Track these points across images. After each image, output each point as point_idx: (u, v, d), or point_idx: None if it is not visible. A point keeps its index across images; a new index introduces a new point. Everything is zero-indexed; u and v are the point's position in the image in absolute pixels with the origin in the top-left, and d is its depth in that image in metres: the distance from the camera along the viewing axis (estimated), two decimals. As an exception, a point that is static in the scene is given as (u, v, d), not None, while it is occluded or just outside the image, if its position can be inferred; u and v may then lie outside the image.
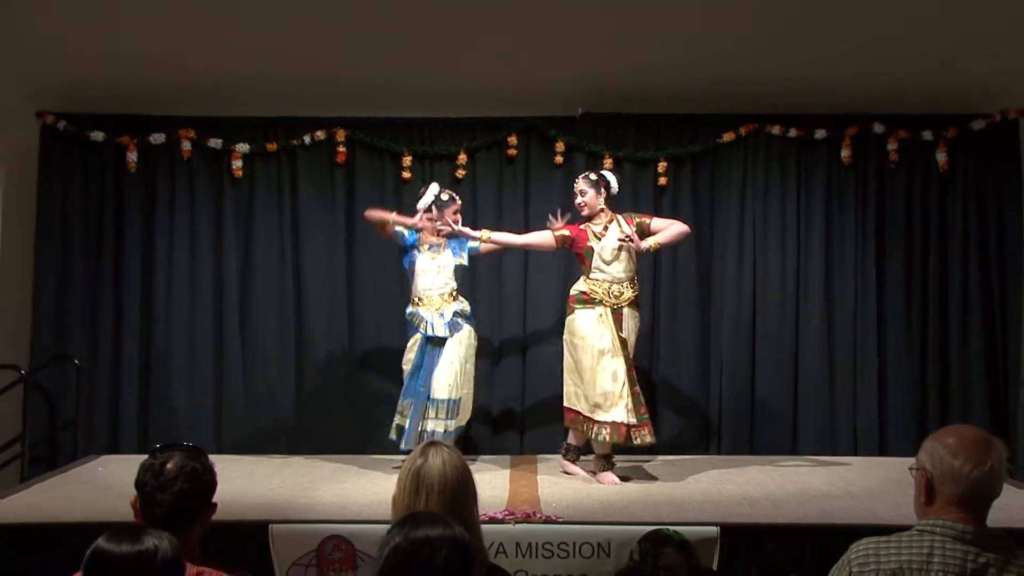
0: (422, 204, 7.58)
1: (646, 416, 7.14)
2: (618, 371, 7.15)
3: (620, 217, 7.39)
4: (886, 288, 8.63)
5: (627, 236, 7.24)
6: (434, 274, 7.54)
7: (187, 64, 8.59)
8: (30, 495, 6.73)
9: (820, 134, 8.64)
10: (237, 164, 8.63)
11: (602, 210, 7.40)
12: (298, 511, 6.21)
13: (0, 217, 8.80)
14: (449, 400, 7.37)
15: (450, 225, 7.46)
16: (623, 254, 7.31)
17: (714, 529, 5.76)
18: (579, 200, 7.41)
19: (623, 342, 7.22)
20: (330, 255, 8.61)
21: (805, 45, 8.59)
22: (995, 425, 8.07)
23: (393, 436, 7.50)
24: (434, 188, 7.65)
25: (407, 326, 7.60)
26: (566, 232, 7.43)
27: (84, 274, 8.61)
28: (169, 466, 3.22)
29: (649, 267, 8.67)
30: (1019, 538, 3.01)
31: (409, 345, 7.54)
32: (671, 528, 5.66)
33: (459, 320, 7.53)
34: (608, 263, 7.32)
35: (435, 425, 7.32)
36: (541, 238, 7.54)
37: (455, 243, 7.63)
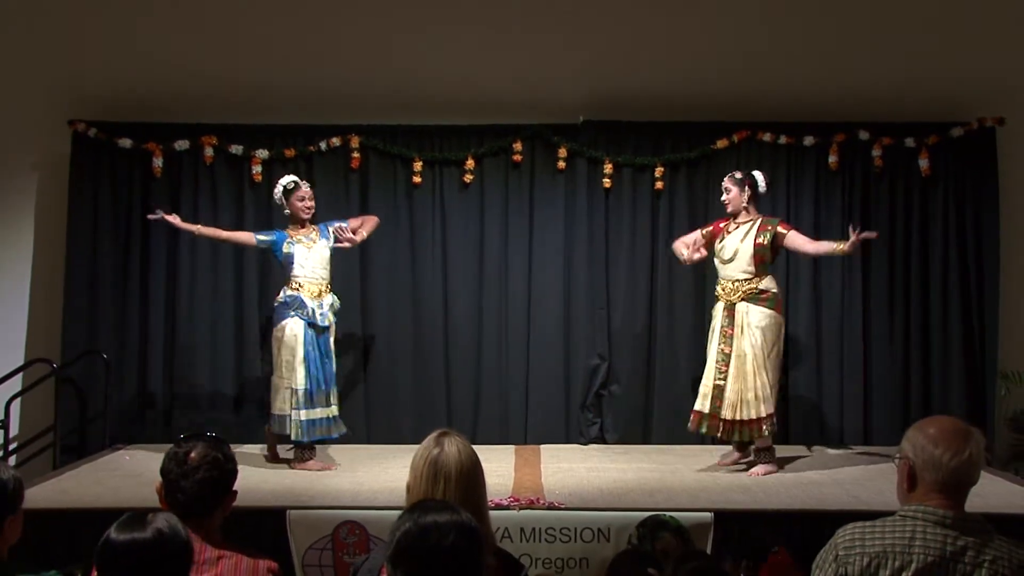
0: (278, 197, 7.54)
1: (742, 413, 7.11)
2: (718, 364, 7.21)
3: (760, 220, 7.32)
4: (871, 287, 8.61)
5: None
6: (312, 262, 7.43)
7: (210, 75, 8.65)
8: (61, 482, 6.76)
9: (809, 141, 8.62)
10: (257, 169, 8.63)
11: (745, 208, 7.32)
12: (314, 498, 6.22)
13: (33, 220, 8.84)
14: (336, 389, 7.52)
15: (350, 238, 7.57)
16: (742, 254, 7.23)
17: (708, 515, 5.78)
18: (723, 197, 7.39)
19: (727, 336, 7.19)
20: (344, 253, 8.60)
21: (795, 57, 8.64)
22: (973, 416, 8.05)
23: (295, 434, 7.27)
24: (284, 180, 7.58)
25: (280, 309, 7.37)
26: (710, 227, 7.50)
27: (112, 274, 8.63)
28: (193, 455, 3.22)
29: (647, 267, 8.68)
30: (996, 522, 3.02)
31: (288, 332, 7.27)
32: (667, 514, 5.70)
33: (331, 314, 7.46)
34: (725, 262, 7.29)
35: (331, 412, 7.39)
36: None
37: (323, 227, 7.57)
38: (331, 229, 7.56)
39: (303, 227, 7.49)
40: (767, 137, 8.65)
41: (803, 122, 8.66)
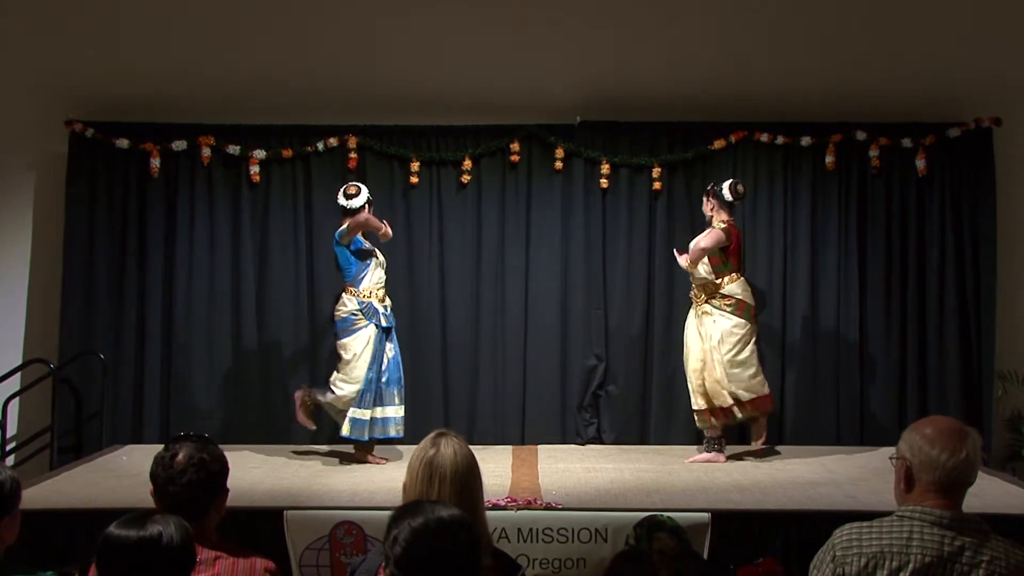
0: (360, 202, 7.48)
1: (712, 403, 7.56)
2: (693, 364, 7.64)
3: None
4: (867, 286, 8.62)
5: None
6: (381, 271, 7.62)
7: (207, 75, 8.65)
8: (58, 482, 6.74)
9: (806, 141, 8.62)
10: (254, 169, 8.63)
11: (711, 217, 7.65)
12: (311, 498, 6.22)
13: (31, 220, 8.83)
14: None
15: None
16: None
17: (705, 515, 5.78)
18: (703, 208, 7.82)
19: (700, 337, 7.60)
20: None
21: (792, 58, 8.64)
22: (970, 416, 8.06)
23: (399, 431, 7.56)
24: (362, 189, 7.61)
25: (349, 319, 7.47)
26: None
27: (109, 274, 8.62)
28: (179, 458, 3.21)
29: (644, 268, 8.68)
30: (993, 522, 3.01)
31: (363, 340, 7.43)
32: (665, 514, 5.67)
33: (392, 314, 7.66)
34: (692, 267, 7.70)
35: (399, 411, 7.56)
36: None
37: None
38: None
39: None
40: (764, 137, 8.65)
41: (800, 122, 8.67)
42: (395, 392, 7.52)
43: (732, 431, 8.00)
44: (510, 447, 8.29)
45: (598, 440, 8.57)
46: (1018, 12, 8.61)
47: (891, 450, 3.12)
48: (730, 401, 7.47)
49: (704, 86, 8.62)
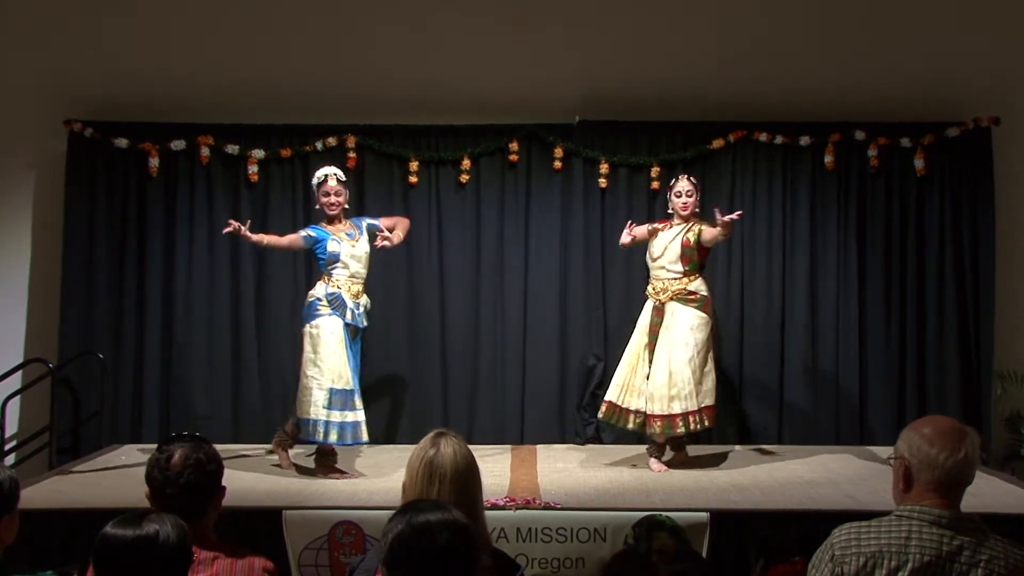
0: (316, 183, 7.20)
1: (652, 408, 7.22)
2: (641, 361, 7.32)
3: (692, 222, 7.33)
4: (867, 286, 8.62)
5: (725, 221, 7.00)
6: (356, 262, 7.11)
7: (206, 75, 8.66)
8: (56, 482, 6.74)
9: (805, 141, 8.62)
10: (253, 169, 8.63)
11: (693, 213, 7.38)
12: (309, 498, 6.22)
13: (31, 220, 8.83)
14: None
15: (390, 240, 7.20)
16: (670, 254, 7.30)
17: (704, 515, 5.78)
18: (684, 199, 7.34)
19: (655, 333, 7.30)
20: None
21: (791, 57, 8.65)
22: (969, 416, 8.06)
23: (364, 437, 6.98)
24: (317, 173, 7.26)
25: (316, 305, 7.01)
26: (656, 225, 7.54)
27: (109, 273, 8.62)
28: (174, 460, 3.19)
29: (644, 268, 8.67)
30: (991, 522, 3.01)
31: (327, 331, 6.94)
32: (664, 514, 5.67)
33: (364, 314, 7.16)
34: (655, 260, 7.39)
35: (359, 417, 6.95)
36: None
37: (356, 222, 7.31)
38: (364, 224, 7.29)
39: (340, 223, 7.20)
40: (763, 137, 8.65)
41: (799, 122, 8.67)
42: (358, 398, 6.94)
43: (726, 431, 8.00)
44: (509, 447, 8.29)
45: (597, 440, 8.56)
46: (1018, 12, 8.62)
47: (890, 450, 3.12)
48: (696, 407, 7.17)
49: (703, 86, 8.63)
